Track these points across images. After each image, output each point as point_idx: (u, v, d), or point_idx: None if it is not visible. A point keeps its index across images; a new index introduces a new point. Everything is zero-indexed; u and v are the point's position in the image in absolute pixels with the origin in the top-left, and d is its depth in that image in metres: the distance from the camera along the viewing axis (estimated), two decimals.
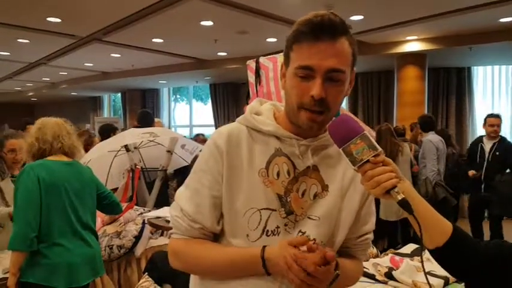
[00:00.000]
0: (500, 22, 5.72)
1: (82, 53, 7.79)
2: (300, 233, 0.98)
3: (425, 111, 7.19)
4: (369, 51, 7.27)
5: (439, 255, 0.92)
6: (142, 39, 6.86)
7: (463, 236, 0.92)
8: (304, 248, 0.89)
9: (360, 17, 5.63)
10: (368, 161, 0.86)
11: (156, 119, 4.84)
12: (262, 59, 2.88)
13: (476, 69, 8.69)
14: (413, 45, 7.00)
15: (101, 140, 5.02)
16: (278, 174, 0.98)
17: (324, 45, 0.89)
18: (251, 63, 2.96)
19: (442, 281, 1.71)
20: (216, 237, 1.02)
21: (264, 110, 1.06)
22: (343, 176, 1.02)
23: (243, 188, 0.97)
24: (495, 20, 5.64)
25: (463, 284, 1.66)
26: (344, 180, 1.02)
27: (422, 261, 0.90)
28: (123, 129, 9.69)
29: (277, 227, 0.97)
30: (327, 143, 1.02)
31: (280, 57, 2.68)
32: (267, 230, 0.96)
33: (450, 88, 8.68)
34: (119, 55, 8.16)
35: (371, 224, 1.08)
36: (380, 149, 0.86)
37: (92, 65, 9.38)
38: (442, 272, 1.70)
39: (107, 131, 5.18)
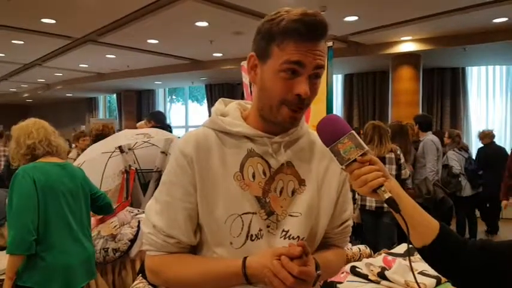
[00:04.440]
0: (494, 23, 5.77)
1: (77, 54, 7.78)
2: (284, 232, 0.96)
3: (420, 111, 7.23)
4: (364, 51, 7.30)
5: (426, 253, 0.92)
6: (137, 40, 6.86)
7: (449, 234, 0.92)
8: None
9: (355, 18, 5.66)
10: (355, 160, 0.86)
11: (141, 122, 4.83)
12: None
13: (471, 70, 8.74)
14: (407, 45, 7.04)
15: (91, 142, 5.02)
16: (254, 176, 0.95)
17: (313, 44, 0.90)
18: (245, 64, 2.96)
19: (434, 281, 1.70)
20: (196, 248, 0.99)
21: (230, 110, 1.02)
22: (317, 167, 1.02)
23: (220, 195, 0.93)
24: (489, 21, 5.69)
25: None
26: (319, 172, 1.02)
27: (410, 260, 0.91)
28: (118, 131, 9.72)
29: (260, 230, 0.95)
30: (297, 136, 1.01)
31: None
32: (251, 235, 0.94)
33: (445, 88, 8.73)
34: (114, 56, 8.15)
35: (349, 211, 1.08)
36: (367, 148, 0.87)
37: (87, 66, 9.36)
38: (435, 272, 1.71)
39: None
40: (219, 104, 1.06)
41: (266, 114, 0.95)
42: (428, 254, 0.92)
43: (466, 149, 5.53)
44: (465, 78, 8.70)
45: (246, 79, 2.94)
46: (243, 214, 0.93)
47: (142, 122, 4.81)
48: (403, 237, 4.24)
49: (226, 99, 1.08)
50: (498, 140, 8.15)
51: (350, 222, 1.10)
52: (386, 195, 0.85)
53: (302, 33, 0.88)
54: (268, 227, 0.95)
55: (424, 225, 0.91)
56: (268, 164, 0.97)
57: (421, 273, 1.78)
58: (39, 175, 1.95)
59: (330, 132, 0.89)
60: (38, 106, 16.65)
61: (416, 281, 0.90)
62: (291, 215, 0.97)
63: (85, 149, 3.90)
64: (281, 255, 0.87)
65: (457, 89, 8.67)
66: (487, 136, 5.79)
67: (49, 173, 2.00)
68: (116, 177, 3.69)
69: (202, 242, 0.98)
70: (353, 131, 0.88)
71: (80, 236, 2.10)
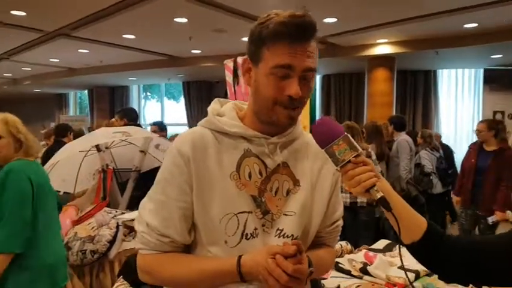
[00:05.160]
0: (465, 28, 5.99)
1: (48, 48, 7.49)
2: (278, 231, 0.98)
3: (394, 112, 7.43)
4: (341, 53, 7.44)
5: (415, 249, 0.96)
6: (112, 35, 6.68)
7: (436, 231, 0.96)
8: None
9: (334, 20, 5.73)
10: (349, 161, 0.89)
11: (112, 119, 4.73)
12: (240, 59, 2.87)
13: (442, 72, 9.06)
14: (383, 48, 7.21)
15: (55, 141, 4.86)
16: (250, 176, 0.97)
17: (302, 46, 0.91)
18: (229, 63, 2.94)
19: (413, 275, 1.77)
20: (190, 247, 1.00)
21: (226, 110, 1.03)
22: (311, 168, 1.04)
23: (216, 195, 0.94)
24: (460, 26, 5.91)
25: (433, 276, 1.74)
26: (313, 173, 1.04)
27: (400, 256, 0.93)
28: (90, 128, 9.46)
29: (255, 229, 0.96)
30: (293, 137, 1.03)
31: None
32: (246, 234, 0.95)
33: (417, 90, 9.02)
34: (87, 51, 7.91)
35: (340, 211, 1.12)
36: (360, 149, 0.90)
37: (58, 60, 9.06)
38: (414, 266, 1.77)
39: (64, 131, 5.03)
40: (215, 103, 1.06)
41: (262, 115, 0.97)
42: (417, 250, 0.96)
43: (437, 148, 5.73)
44: (436, 80, 9.02)
45: (229, 78, 2.92)
46: (238, 213, 0.95)
47: (114, 119, 4.69)
48: (381, 234, 4.34)
49: (222, 99, 1.09)
50: (466, 139, 8.52)
51: (340, 222, 1.13)
52: (379, 195, 0.88)
53: (290, 35, 0.89)
54: (263, 226, 0.97)
55: (413, 223, 0.95)
56: (265, 164, 0.99)
57: (401, 267, 1.84)
58: (31, 173, 1.89)
59: (325, 134, 0.92)
60: (4, 101, 15.92)
61: (407, 276, 0.92)
62: (286, 214, 1.00)
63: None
64: (276, 254, 0.88)
65: (428, 91, 8.99)
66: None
67: (37, 170, 1.96)
68: (91, 176, 3.59)
69: (197, 241, 0.98)
70: (347, 133, 0.91)
71: (59, 234, 2.11)
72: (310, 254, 0.99)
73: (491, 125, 3.82)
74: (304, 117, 2.68)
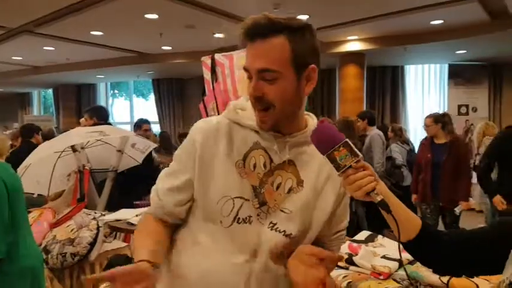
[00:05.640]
0: (432, 24, 6.22)
1: (10, 46, 7.18)
2: (271, 224, 1.01)
3: (364, 108, 7.61)
4: None
5: (411, 247, 0.99)
6: (79, 31, 6.47)
7: (430, 228, 1.00)
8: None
9: (306, 17, 5.79)
10: (350, 166, 0.90)
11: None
12: (217, 56, 2.85)
13: (409, 68, 9.36)
14: (353, 45, 7.37)
15: (23, 142, 4.66)
16: (254, 166, 1.01)
17: (255, 46, 0.94)
18: (206, 60, 2.91)
19: (396, 264, 1.84)
20: (188, 220, 1.06)
21: (249, 106, 1.06)
22: (318, 174, 1.05)
23: (218, 178, 1.01)
24: (427, 23, 6.12)
25: (415, 265, 1.79)
26: (319, 179, 1.05)
27: (400, 253, 0.96)
28: (56, 128, 9.11)
29: (250, 216, 1.00)
30: (303, 140, 1.04)
31: (236, 55, 2.67)
32: (239, 218, 1.00)
33: (385, 85, 9.28)
34: (52, 48, 7.63)
35: (346, 222, 1.14)
36: (360, 155, 0.91)
37: (21, 58, 8.68)
38: (396, 256, 1.84)
39: (31, 131, 4.83)
40: (242, 99, 1.11)
41: None
42: (413, 247, 0.99)
43: (407, 142, 5.92)
44: (404, 76, 9.31)
45: (207, 75, 2.89)
46: (235, 198, 1.00)
47: (83, 119, 4.50)
48: (361, 227, 4.41)
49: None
50: None
51: (344, 232, 1.15)
52: (379, 198, 0.91)
53: (245, 37, 0.94)
54: (258, 215, 1.01)
55: (409, 222, 0.97)
56: (271, 158, 1.02)
57: (384, 257, 1.92)
58: (4, 175, 1.82)
59: (325, 141, 0.92)
60: None
61: (406, 271, 0.96)
62: (282, 210, 1.02)
63: None
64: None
65: (396, 86, 9.26)
66: None
67: (8, 172, 1.89)
68: (66, 178, 3.48)
69: (195, 216, 1.05)
70: (347, 139, 0.92)
71: (32, 237, 2.03)
72: None
73: (438, 119, 3.91)
74: None
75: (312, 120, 1.11)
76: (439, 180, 3.83)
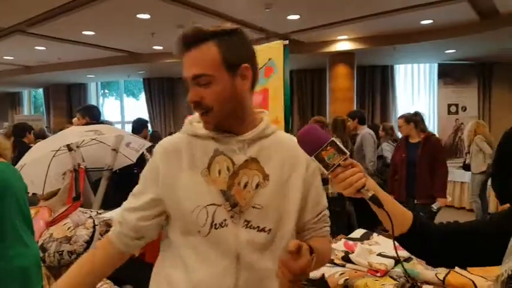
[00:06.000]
0: (421, 24, 6.30)
1: (2, 45, 7.11)
2: (246, 222, 1.04)
3: (355, 107, 7.69)
4: (304, 49, 7.58)
5: (404, 240, 1.01)
6: (71, 31, 6.44)
7: (421, 222, 1.02)
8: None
9: (297, 17, 5.85)
10: (339, 164, 0.92)
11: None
12: None
13: (398, 67, 9.46)
14: (343, 44, 7.43)
15: (15, 142, 4.64)
16: (219, 172, 1.05)
17: (188, 55, 1.02)
18: None
19: (392, 261, 1.87)
20: (168, 236, 1.10)
21: None
22: (282, 165, 1.08)
23: (187, 190, 1.04)
24: (417, 22, 6.21)
25: (411, 262, 1.83)
26: (283, 170, 1.08)
27: (395, 248, 1.00)
28: (47, 127, 9.04)
29: (225, 220, 1.03)
30: (263, 135, 1.09)
31: None
32: (215, 224, 1.03)
33: (375, 85, 9.37)
34: (44, 48, 7.57)
35: (323, 202, 1.16)
36: (348, 152, 0.93)
37: (12, 58, 8.59)
38: (391, 253, 1.88)
39: (23, 131, 4.82)
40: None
41: None
42: (406, 241, 1.01)
43: (398, 141, 6.01)
44: (393, 75, 9.41)
45: None
46: (207, 205, 1.03)
47: (75, 118, 4.48)
48: (354, 225, 4.44)
49: None
50: None
51: (326, 212, 1.17)
52: (370, 194, 0.93)
53: (177, 50, 1.03)
54: (232, 217, 1.04)
55: (400, 216, 0.99)
56: (232, 160, 1.06)
57: (380, 254, 1.94)
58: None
59: (312, 142, 0.94)
60: None
61: (404, 267, 1.00)
62: (254, 207, 1.05)
63: None
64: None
65: (386, 85, 9.35)
66: None
67: (3, 170, 1.87)
68: (61, 177, 3.48)
69: (175, 232, 1.08)
70: (333, 138, 0.95)
71: (31, 234, 2.01)
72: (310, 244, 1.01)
73: (409, 118, 3.97)
74: (278, 111, 2.73)
75: (266, 116, 1.14)
76: (414, 178, 3.85)
